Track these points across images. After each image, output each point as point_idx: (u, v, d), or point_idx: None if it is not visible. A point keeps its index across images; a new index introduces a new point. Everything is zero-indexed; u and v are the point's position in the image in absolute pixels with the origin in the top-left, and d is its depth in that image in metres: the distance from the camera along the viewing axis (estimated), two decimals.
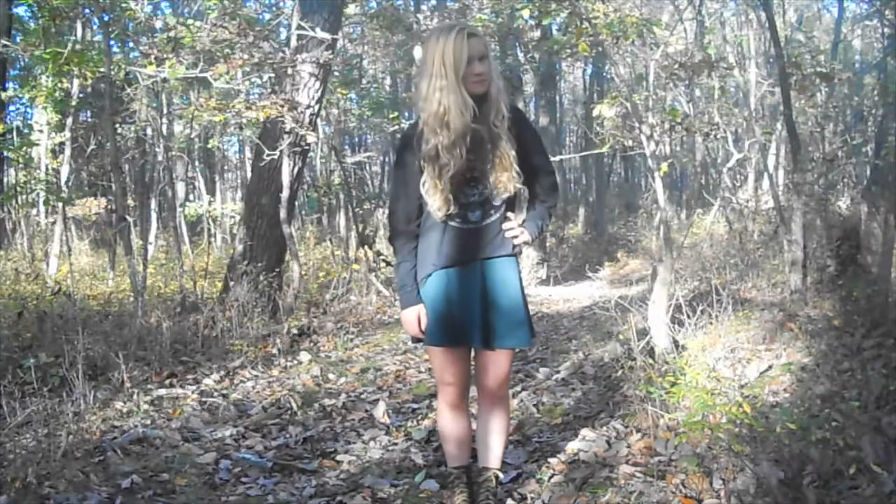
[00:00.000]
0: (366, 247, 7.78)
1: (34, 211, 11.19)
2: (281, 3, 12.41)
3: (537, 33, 11.22)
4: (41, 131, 10.11)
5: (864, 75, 11.45)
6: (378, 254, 7.80)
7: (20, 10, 8.96)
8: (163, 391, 4.07)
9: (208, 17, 6.56)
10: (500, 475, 2.49)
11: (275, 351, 5.19)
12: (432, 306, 2.29)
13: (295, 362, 5.02)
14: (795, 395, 3.10)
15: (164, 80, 6.60)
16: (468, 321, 2.26)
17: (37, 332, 4.54)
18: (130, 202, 11.59)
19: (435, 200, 2.22)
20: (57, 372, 3.75)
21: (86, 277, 8.24)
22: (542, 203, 2.40)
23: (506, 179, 2.23)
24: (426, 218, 2.28)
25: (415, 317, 2.29)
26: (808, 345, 3.76)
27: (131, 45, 8.21)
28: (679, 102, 8.27)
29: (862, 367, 3.20)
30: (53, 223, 9.67)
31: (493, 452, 2.44)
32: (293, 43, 6.58)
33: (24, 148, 9.84)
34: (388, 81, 18.47)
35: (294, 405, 3.92)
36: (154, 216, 13.07)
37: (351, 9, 10.78)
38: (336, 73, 10.29)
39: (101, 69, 6.37)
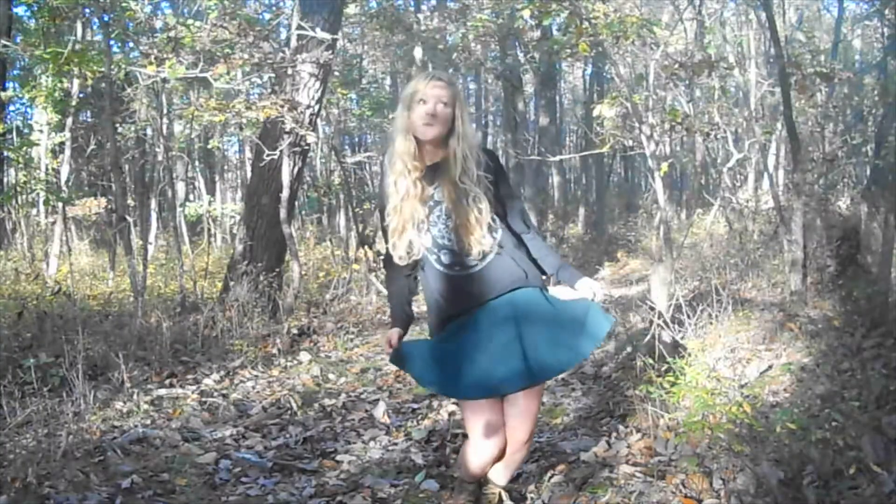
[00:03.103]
0: (366, 247, 7.77)
1: (34, 211, 11.20)
2: (281, 3, 12.42)
3: (537, 33, 11.21)
4: (41, 131, 10.11)
5: (864, 75, 11.44)
6: (378, 254, 7.79)
7: (20, 10, 8.96)
8: (163, 391, 4.07)
9: (208, 17, 6.55)
10: (505, 497, 2.40)
11: (275, 351, 5.19)
12: (457, 357, 2.14)
13: (295, 362, 5.02)
14: (795, 395, 3.10)
15: (164, 80, 6.60)
16: (482, 367, 2.10)
17: (37, 332, 4.54)
18: (130, 202, 11.59)
19: (396, 241, 2.18)
20: (57, 372, 3.75)
21: (86, 277, 8.23)
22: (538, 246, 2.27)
23: (473, 242, 2.12)
24: (427, 264, 2.20)
25: (386, 339, 2.23)
26: (808, 345, 3.76)
27: (131, 45, 8.20)
28: (679, 102, 8.26)
29: (862, 367, 3.20)
30: (53, 223, 9.67)
31: (504, 473, 2.36)
32: (293, 43, 6.58)
33: (24, 148, 9.84)
34: (388, 81, 18.48)
35: (294, 405, 3.92)
36: (154, 216, 13.07)
37: (351, 9, 10.78)
38: (336, 73, 10.29)
39: (101, 69, 6.37)
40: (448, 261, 2.17)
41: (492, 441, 2.18)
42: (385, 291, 7.50)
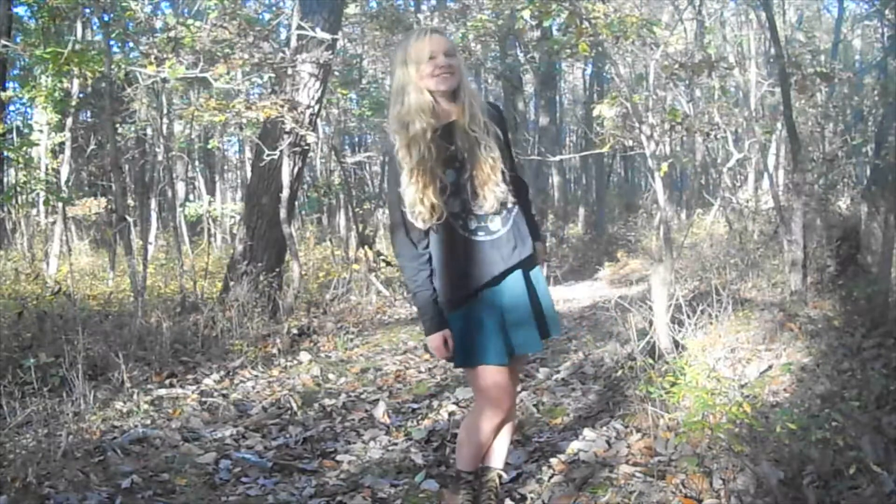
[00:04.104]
0: (366, 247, 7.78)
1: (34, 211, 11.21)
2: (281, 3, 12.42)
3: (537, 33, 11.22)
4: (41, 131, 10.13)
5: (864, 75, 11.44)
6: (378, 254, 7.81)
7: (20, 10, 8.97)
8: (163, 391, 4.07)
9: (208, 17, 6.56)
10: (504, 475, 2.48)
11: (275, 351, 5.19)
12: (484, 324, 2.19)
13: (295, 362, 5.02)
14: (795, 395, 3.10)
15: (164, 80, 6.60)
16: (528, 323, 2.22)
17: (37, 332, 4.54)
18: (130, 202, 11.60)
19: (419, 209, 2.12)
20: (57, 372, 3.75)
21: (86, 277, 8.24)
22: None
23: (488, 190, 2.14)
24: (447, 233, 2.17)
25: (441, 341, 2.20)
26: (808, 345, 3.76)
27: (131, 45, 8.21)
28: (679, 102, 8.27)
29: (862, 367, 3.20)
30: (53, 223, 9.68)
31: (498, 453, 2.42)
32: (293, 43, 6.58)
33: (24, 148, 9.85)
34: (388, 81, 18.46)
35: (294, 405, 3.92)
36: (154, 216, 13.08)
37: (351, 9, 10.78)
38: (336, 73, 10.29)
39: (101, 69, 6.37)
40: (473, 226, 2.17)
41: (506, 399, 2.27)
42: (384, 291, 7.51)
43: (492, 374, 2.22)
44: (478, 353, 2.20)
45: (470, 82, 2.23)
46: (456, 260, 2.19)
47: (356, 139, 18.93)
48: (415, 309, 2.43)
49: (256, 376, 4.62)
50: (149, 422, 3.54)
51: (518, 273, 2.23)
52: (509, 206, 2.20)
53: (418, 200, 2.13)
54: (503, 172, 2.17)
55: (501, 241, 2.18)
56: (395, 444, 3.38)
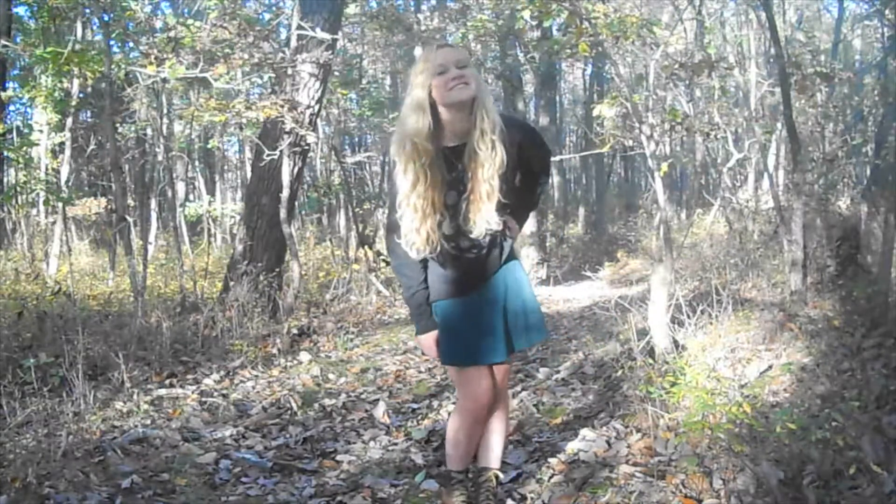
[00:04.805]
0: (366, 247, 7.78)
1: (34, 211, 11.20)
2: (281, 3, 12.41)
3: (537, 33, 11.22)
4: (41, 131, 10.12)
5: (864, 75, 11.43)
6: (378, 254, 7.80)
7: (20, 10, 8.98)
8: (163, 391, 4.07)
9: (208, 17, 6.56)
10: (501, 475, 2.49)
11: (275, 351, 5.19)
12: (457, 328, 2.25)
13: (295, 362, 5.02)
14: (795, 395, 3.10)
15: (164, 80, 6.59)
16: (496, 335, 2.26)
17: (37, 332, 4.54)
18: (130, 202, 11.59)
19: (414, 237, 2.11)
20: (57, 372, 3.75)
21: (86, 277, 8.24)
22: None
23: (480, 218, 2.10)
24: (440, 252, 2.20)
25: (433, 341, 2.27)
26: (808, 345, 3.75)
27: (131, 45, 8.21)
28: (679, 102, 8.27)
29: (862, 367, 3.20)
30: (53, 223, 9.68)
31: (494, 453, 2.44)
32: (293, 43, 6.58)
33: (24, 148, 9.85)
34: (388, 81, 18.48)
35: (294, 405, 3.92)
36: (154, 216, 13.08)
37: (351, 9, 10.78)
38: (336, 73, 10.28)
39: (101, 69, 6.37)
40: (466, 245, 2.19)
41: (484, 396, 2.30)
42: (384, 291, 7.51)
43: (469, 373, 2.28)
44: (454, 353, 2.26)
45: (488, 97, 2.13)
46: (444, 270, 2.23)
47: (356, 139, 18.91)
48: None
49: (256, 376, 4.62)
50: (149, 422, 3.54)
51: (499, 277, 2.26)
52: (498, 234, 2.21)
53: (414, 230, 2.12)
54: (500, 202, 2.11)
55: (491, 254, 2.23)
56: (395, 444, 3.39)
